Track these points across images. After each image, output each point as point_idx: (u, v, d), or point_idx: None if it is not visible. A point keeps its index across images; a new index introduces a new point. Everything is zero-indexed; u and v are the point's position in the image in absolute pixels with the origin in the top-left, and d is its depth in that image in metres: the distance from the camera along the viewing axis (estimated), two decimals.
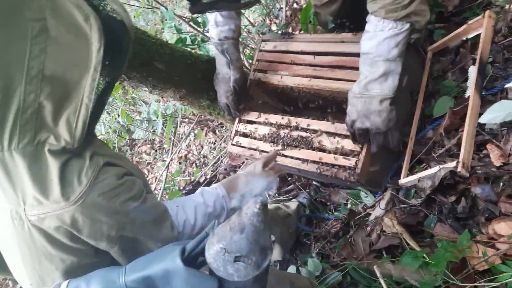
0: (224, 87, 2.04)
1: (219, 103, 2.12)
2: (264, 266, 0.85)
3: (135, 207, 1.15)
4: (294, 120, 1.98)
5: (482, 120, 1.29)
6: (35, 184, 1.00)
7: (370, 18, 1.49)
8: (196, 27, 2.51)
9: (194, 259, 0.92)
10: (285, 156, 1.94)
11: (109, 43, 1.01)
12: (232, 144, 2.16)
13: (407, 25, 1.42)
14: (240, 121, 2.17)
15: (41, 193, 1.01)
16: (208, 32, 2.58)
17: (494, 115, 1.21)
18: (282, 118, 2.01)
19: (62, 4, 0.94)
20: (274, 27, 3.53)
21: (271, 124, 2.05)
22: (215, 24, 1.87)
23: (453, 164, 1.53)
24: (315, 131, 1.89)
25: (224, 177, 2.94)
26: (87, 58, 0.97)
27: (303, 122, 1.95)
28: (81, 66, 0.97)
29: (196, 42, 2.40)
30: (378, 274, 1.30)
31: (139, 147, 4.70)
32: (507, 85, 1.54)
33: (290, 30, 3.12)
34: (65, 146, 1.00)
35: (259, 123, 2.10)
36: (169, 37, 2.57)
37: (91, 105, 1.00)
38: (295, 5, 3.51)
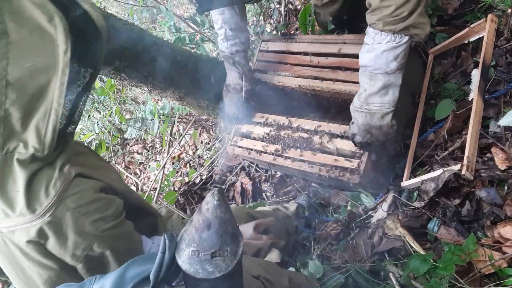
0: (235, 98, 2.03)
1: (227, 113, 2.11)
2: (240, 253, 0.85)
3: (107, 229, 1.09)
4: (295, 121, 1.97)
5: (501, 122, 1.30)
6: (2, 196, 0.96)
7: (368, 30, 1.46)
8: (194, 26, 2.49)
9: (165, 280, 0.87)
10: (286, 157, 1.93)
11: (79, 43, 0.96)
12: (231, 145, 2.14)
13: (406, 38, 1.39)
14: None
15: (7, 205, 0.96)
16: (206, 31, 2.57)
17: None
18: (284, 119, 2.00)
19: (22, 5, 0.89)
20: (268, 27, 3.51)
21: (272, 125, 2.04)
22: (225, 38, 1.87)
23: (457, 167, 1.54)
24: (316, 133, 1.89)
25: (220, 178, 2.92)
26: (54, 61, 0.91)
27: (304, 123, 1.94)
28: (48, 70, 0.92)
29: (195, 41, 2.38)
30: (394, 281, 1.29)
31: (131, 146, 4.64)
32: None
33: (285, 31, 3.11)
34: (34, 154, 0.95)
35: (260, 123, 2.09)
36: (168, 36, 2.54)
37: (61, 110, 0.95)
38: (289, 6, 3.50)
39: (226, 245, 0.82)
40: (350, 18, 2.18)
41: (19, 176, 0.95)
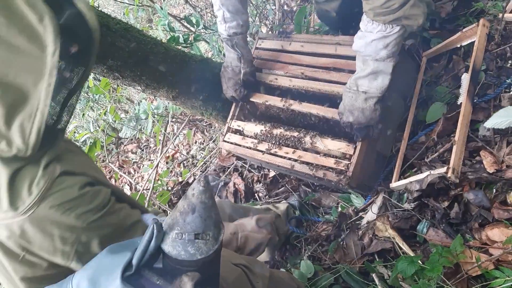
0: (233, 80, 2.03)
1: (224, 94, 2.11)
2: (220, 239, 0.88)
3: (95, 220, 1.07)
4: (293, 104, 1.95)
5: (487, 124, 1.31)
6: None
7: (363, 17, 1.47)
8: (189, 26, 2.49)
9: (147, 265, 0.89)
10: (277, 155, 1.93)
11: (71, 43, 0.95)
12: (224, 141, 2.14)
13: (397, 28, 1.40)
14: (233, 118, 2.15)
15: None
16: (200, 30, 2.58)
17: (499, 120, 1.23)
18: (282, 102, 1.99)
19: (13, 2, 0.87)
20: (263, 28, 3.52)
21: (266, 121, 2.04)
22: (223, 20, 1.85)
23: (443, 170, 1.55)
24: (308, 132, 1.89)
25: (213, 178, 2.93)
26: (41, 62, 0.89)
27: (302, 106, 1.93)
28: (35, 70, 0.89)
29: (189, 41, 2.38)
30: (377, 282, 1.30)
31: (125, 145, 4.64)
32: None
33: (281, 30, 3.12)
34: (17, 154, 0.93)
35: (253, 120, 2.10)
36: (163, 35, 2.54)
37: (47, 110, 0.93)
38: (285, 7, 3.52)
39: (209, 229, 0.85)
40: (351, 15, 2.16)
41: (2, 174, 0.95)
